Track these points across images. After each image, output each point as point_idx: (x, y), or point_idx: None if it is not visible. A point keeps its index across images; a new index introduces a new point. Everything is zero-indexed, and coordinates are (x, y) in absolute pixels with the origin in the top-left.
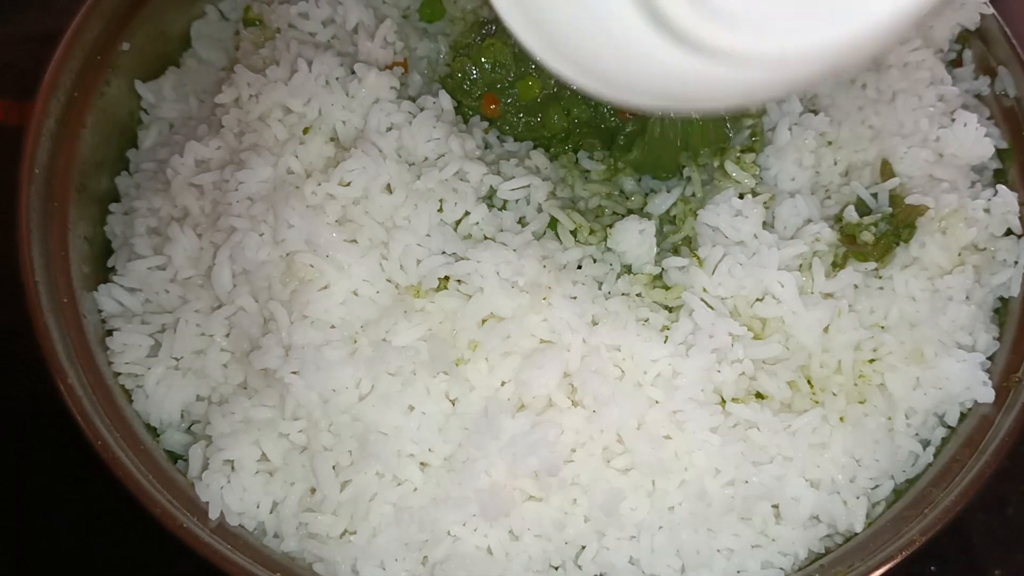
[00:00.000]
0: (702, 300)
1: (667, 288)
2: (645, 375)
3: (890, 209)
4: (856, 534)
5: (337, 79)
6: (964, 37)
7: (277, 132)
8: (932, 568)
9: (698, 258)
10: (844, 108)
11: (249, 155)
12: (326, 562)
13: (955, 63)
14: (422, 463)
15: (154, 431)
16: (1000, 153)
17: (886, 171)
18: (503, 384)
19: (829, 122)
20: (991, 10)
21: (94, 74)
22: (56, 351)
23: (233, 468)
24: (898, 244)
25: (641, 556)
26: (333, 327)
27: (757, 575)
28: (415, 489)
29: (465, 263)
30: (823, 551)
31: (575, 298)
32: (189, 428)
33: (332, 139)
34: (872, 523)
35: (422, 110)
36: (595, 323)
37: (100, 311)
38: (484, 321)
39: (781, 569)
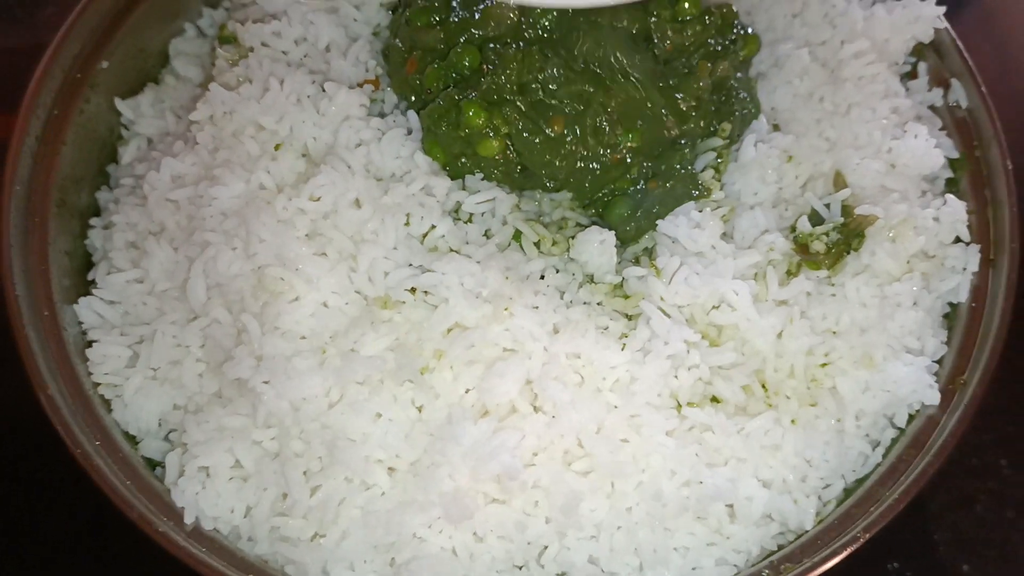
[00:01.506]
0: (659, 308)
1: (627, 297)
2: (604, 381)
3: (842, 219)
4: (806, 531)
5: (308, 97)
6: (919, 50)
7: (250, 148)
8: (895, 565)
9: (656, 268)
10: (804, 122)
11: (222, 171)
12: (297, 564)
13: (911, 75)
14: (389, 468)
15: (132, 439)
16: (953, 163)
17: (839, 182)
18: (467, 391)
19: (793, 140)
20: (944, 24)
21: (74, 91)
22: (37, 362)
23: (208, 474)
24: (849, 253)
25: (601, 555)
26: (303, 338)
27: (712, 571)
28: (382, 493)
29: (430, 275)
30: (776, 548)
31: (536, 308)
32: (167, 436)
33: (304, 155)
34: (822, 521)
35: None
36: (556, 331)
37: (80, 323)
38: (449, 331)
39: (735, 566)
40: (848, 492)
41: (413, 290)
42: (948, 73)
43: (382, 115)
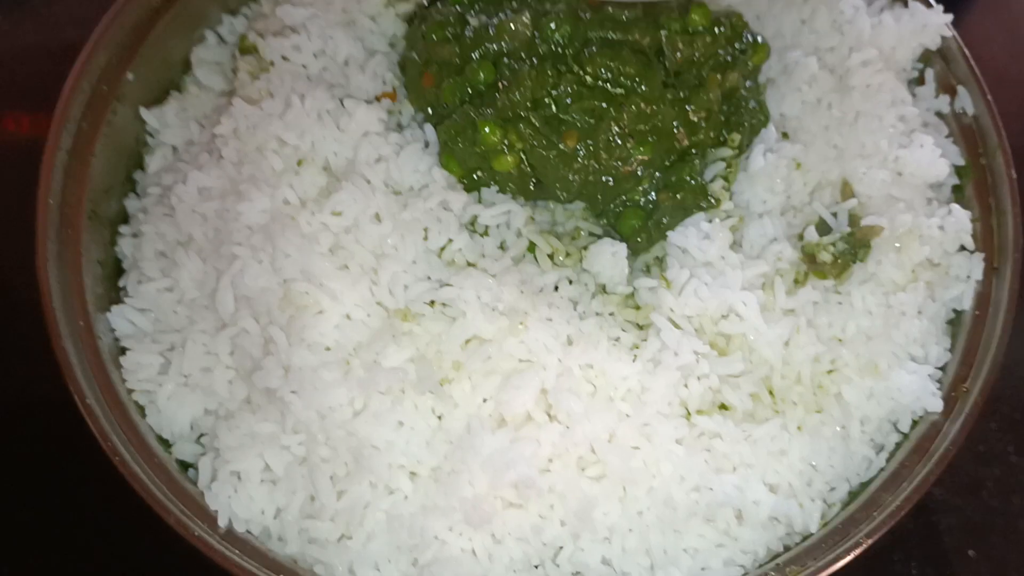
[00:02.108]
0: (669, 320)
1: (638, 308)
2: (616, 391)
3: (848, 229)
4: (811, 534)
5: (328, 113)
6: (926, 56)
7: (273, 163)
8: (900, 555)
9: (666, 280)
10: (811, 130)
11: (248, 187)
12: (325, 564)
13: (918, 81)
14: (412, 473)
15: (166, 443)
16: (958, 170)
17: (846, 191)
18: (484, 401)
19: (801, 148)
20: (952, 32)
21: (102, 104)
22: (75, 373)
23: (239, 478)
24: (855, 263)
25: (613, 556)
26: (328, 349)
27: (720, 572)
28: (405, 498)
29: (448, 289)
30: (782, 549)
31: (550, 320)
32: (199, 439)
33: (325, 169)
34: (827, 523)
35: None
36: (570, 343)
37: (113, 331)
38: (467, 343)
39: (742, 567)
40: (853, 495)
41: (432, 303)
42: (955, 80)
43: (400, 127)
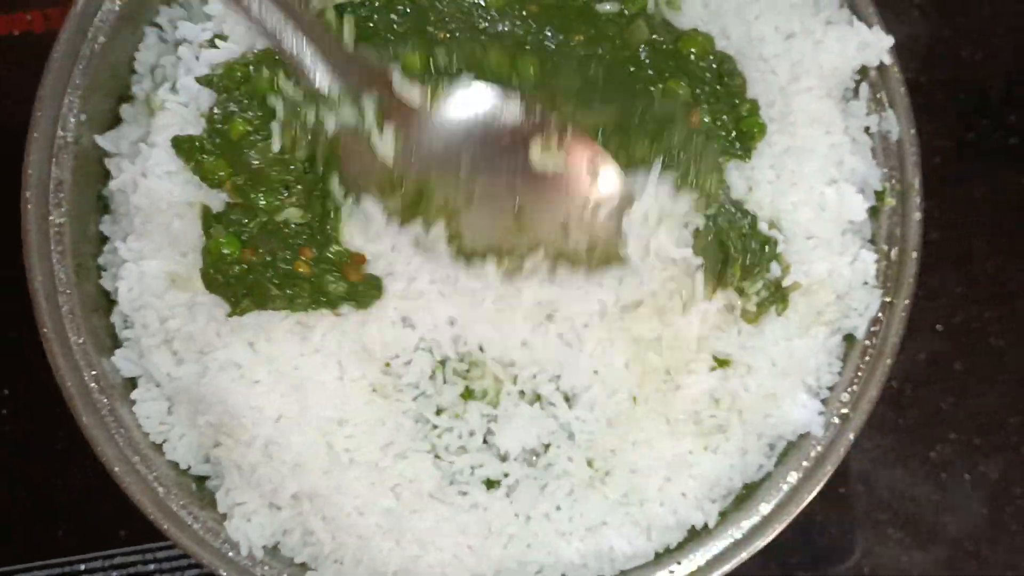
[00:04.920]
0: None
1: None
2: None
3: (771, 277)
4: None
5: None
6: (864, 71)
7: None
8: None
9: None
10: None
11: None
12: None
13: (854, 92)
14: None
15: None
16: (877, 194)
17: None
18: None
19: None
20: (892, 59)
21: (61, 155)
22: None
23: None
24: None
25: None
26: None
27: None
28: None
29: None
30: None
31: None
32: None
33: None
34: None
35: None
36: None
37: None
38: None
39: None
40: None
41: None
42: (886, 101)
43: None
